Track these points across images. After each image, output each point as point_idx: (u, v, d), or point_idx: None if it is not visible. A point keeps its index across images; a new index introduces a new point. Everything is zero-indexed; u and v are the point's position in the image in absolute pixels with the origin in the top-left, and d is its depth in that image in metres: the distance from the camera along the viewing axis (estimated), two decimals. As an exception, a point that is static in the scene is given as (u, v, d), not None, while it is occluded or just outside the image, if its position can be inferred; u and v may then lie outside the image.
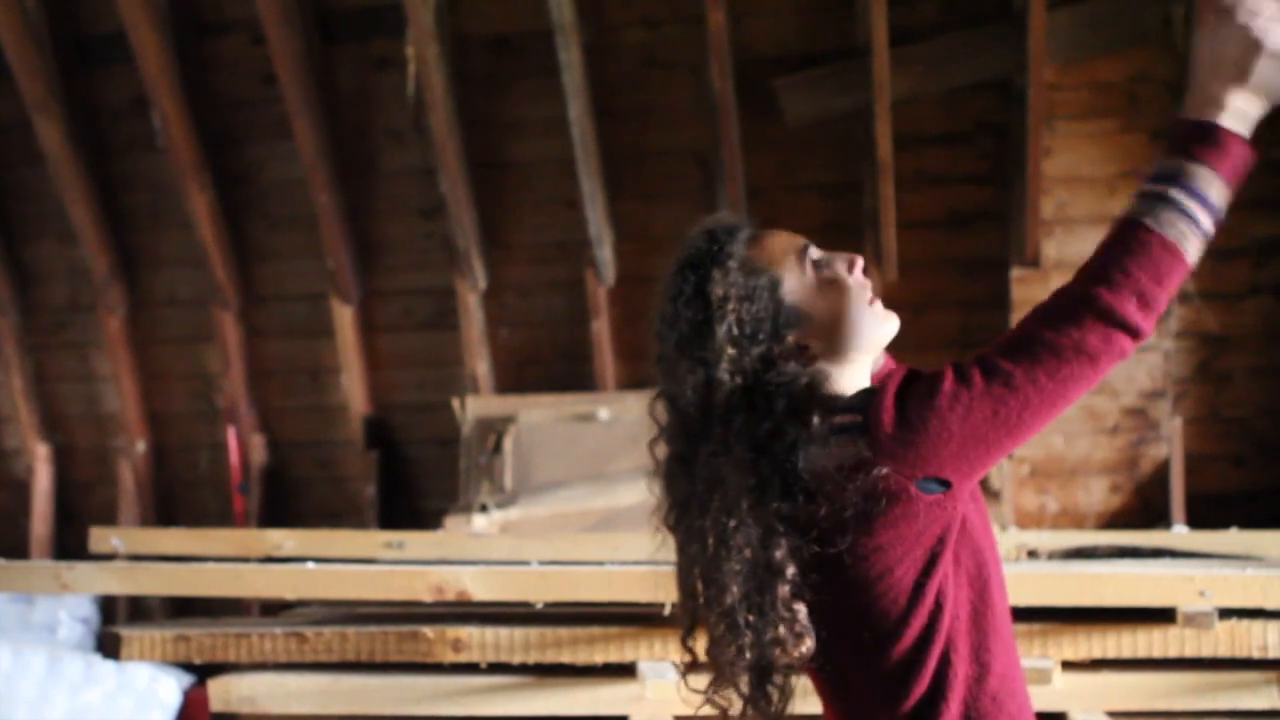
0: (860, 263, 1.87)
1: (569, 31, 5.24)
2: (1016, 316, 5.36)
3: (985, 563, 1.76)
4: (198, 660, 3.29)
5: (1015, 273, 5.37)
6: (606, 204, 5.57)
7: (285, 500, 6.25)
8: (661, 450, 1.87)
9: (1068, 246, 5.36)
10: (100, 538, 4.26)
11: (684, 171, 5.64)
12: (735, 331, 1.79)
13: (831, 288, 1.83)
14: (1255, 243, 5.41)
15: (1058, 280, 5.33)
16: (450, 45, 5.56)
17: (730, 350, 1.78)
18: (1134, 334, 1.68)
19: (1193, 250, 1.71)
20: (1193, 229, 1.71)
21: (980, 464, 1.69)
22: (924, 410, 1.67)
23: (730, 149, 5.32)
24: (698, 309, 1.82)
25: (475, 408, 5.63)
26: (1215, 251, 5.47)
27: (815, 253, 1.87)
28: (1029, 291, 5.37)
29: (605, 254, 5.63)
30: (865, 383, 1.84)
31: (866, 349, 1.84)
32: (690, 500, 1.80)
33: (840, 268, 1.85)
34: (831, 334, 1.81)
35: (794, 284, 1.83)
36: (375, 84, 5.81)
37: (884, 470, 1.66)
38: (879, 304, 1.86)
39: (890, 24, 5.01)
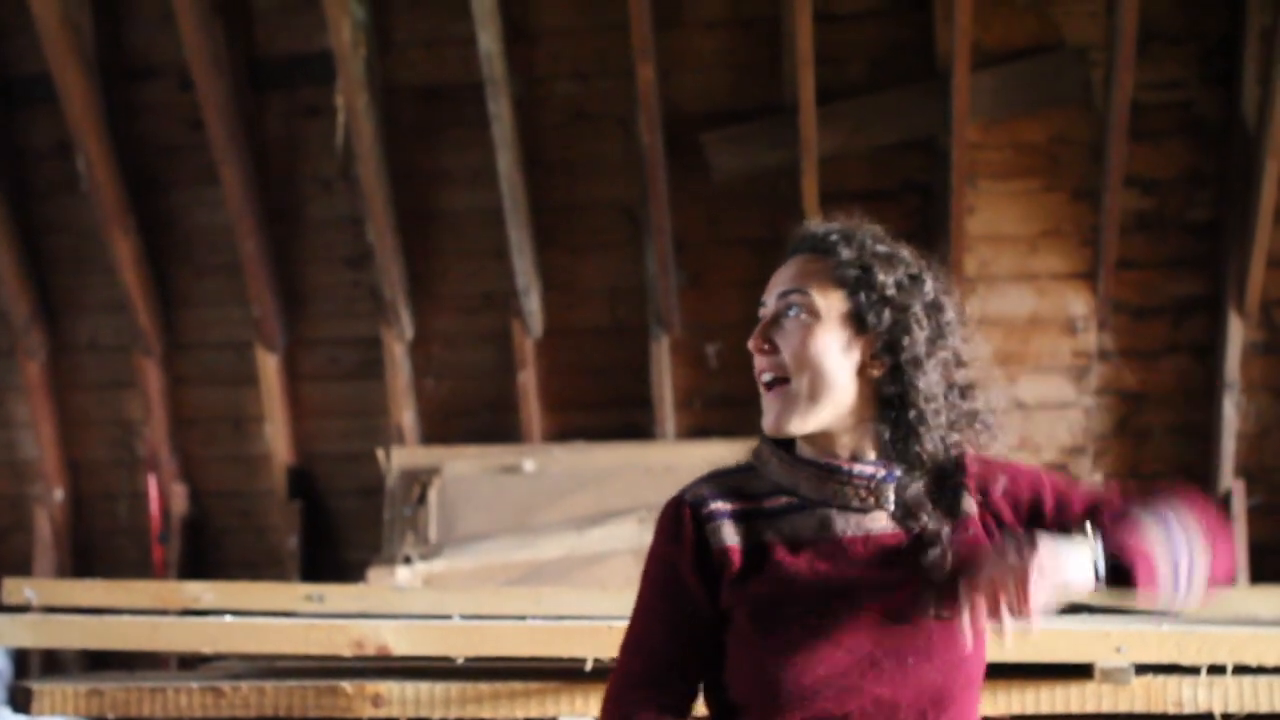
0: (750, 346, 1.91)
1: (499, 83, 5.27)
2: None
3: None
4: (112, 715, 3.22)
5: (939, 329, 5.41)
6: (534, 255, 5.57)
7: (206, 550, 6.16)
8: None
9: (990, 304, 5.43)
10: (13, 589, 4.17)
11: (612, 224, 5.66)
12: None
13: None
14: (1173, 302, 5.51)
15: (981, 336, 5.38)
16: (380, 95, 5.56)
17: None
18: None
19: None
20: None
21: None
22: None
23: (658, 202, 5.35)
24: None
25: (400, 458, 5.59)
26: (1134, 310, 5.63)
27: (762, 315, 1.93)
28: (952, 347, 5.42)
29: (533, 305, 5.63)
30: (809, 453, 1.91)
31: None
32: None
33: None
34: None
35: None
36: (304, 132, 5.79)
37: None
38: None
39: (817, 82, 5.08)
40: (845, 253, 1.87)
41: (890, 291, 1.85)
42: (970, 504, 1.87)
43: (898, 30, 5.38)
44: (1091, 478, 5.54)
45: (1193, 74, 5.34)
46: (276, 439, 5.95)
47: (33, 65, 5.69)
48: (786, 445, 1.91)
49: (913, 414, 1.83)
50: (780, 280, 1.90)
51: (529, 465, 5.45)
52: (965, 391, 1.89)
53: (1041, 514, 1.89)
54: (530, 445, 5.65)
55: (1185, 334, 5.54)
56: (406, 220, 5.67)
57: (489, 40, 5.20)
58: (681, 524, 1.88)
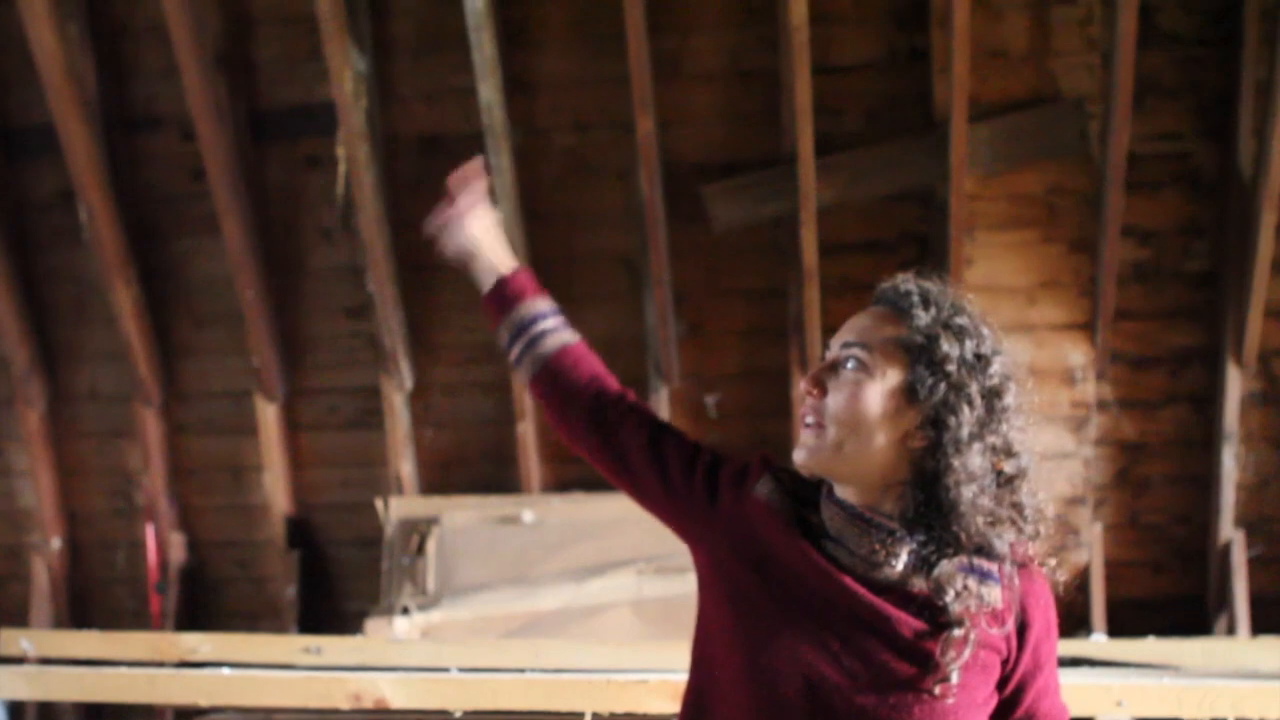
0: (803, 383, 1.93)
1: (499, 134, 5.29)
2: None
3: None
4: (106, 769, 3.21)
5: (938, 379, 5.41)
6: (534, 306, 5.58)
7: (203, 600, 6.15)
8: None
9: (989, 354, 5.42)
10: (10, 639, 4.17)
11: (611, 275, 5.68)
12: None
13: None
14: (1172, 352, 5.52)
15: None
16: (381, 145, 5.59)
17: None
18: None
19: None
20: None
21: None
22: None
23: (658, 254, 5.37)
24: None
25: (399, 508, 5.59)
26: (1133, 361, 5.64)
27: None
28: (951, 398, 5.42)
29: (532, 356, 5.63)
30: (840, 493, 1.93)
31: None
32: None
33: None
34: None
35: None
36: (305, 182, 5.82)
37: None
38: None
39: (816, 134, 5.11)
40: (920, 318, 1.86)
41: (950, 367, 1.83)
42: (997, 598, 1.85)
43: (895, 82, 5.41)
44: (1091, 528, 5.53)
45: (1189, 126, 5.37)
46: (275, 489, 5.95)
47: (36, 116, 5.73)
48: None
49: (949, 493, 1.81)
50: (850, 329, 1.90)
51: (528, 516, 5.44)
52: (1011, 482, 1.85)
53: (1009, 678, 1.90)
54: (529, 496, 5.64)
55: (1184, 384, 5.55)
56: (407, 271, 5.69)
57: (489, 92, 5.23)
58: (749, 464, 1.99)
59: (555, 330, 2.22)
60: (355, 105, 5.31)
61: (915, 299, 1.88)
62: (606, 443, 2.08)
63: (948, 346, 1.83)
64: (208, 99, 5.38)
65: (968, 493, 1.80)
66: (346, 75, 5.24)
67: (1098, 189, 5.23)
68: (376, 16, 5.57)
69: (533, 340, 2.21)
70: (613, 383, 2.17)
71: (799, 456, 1.87)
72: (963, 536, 1.81)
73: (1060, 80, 5.29)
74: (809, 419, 1.87)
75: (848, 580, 1.82)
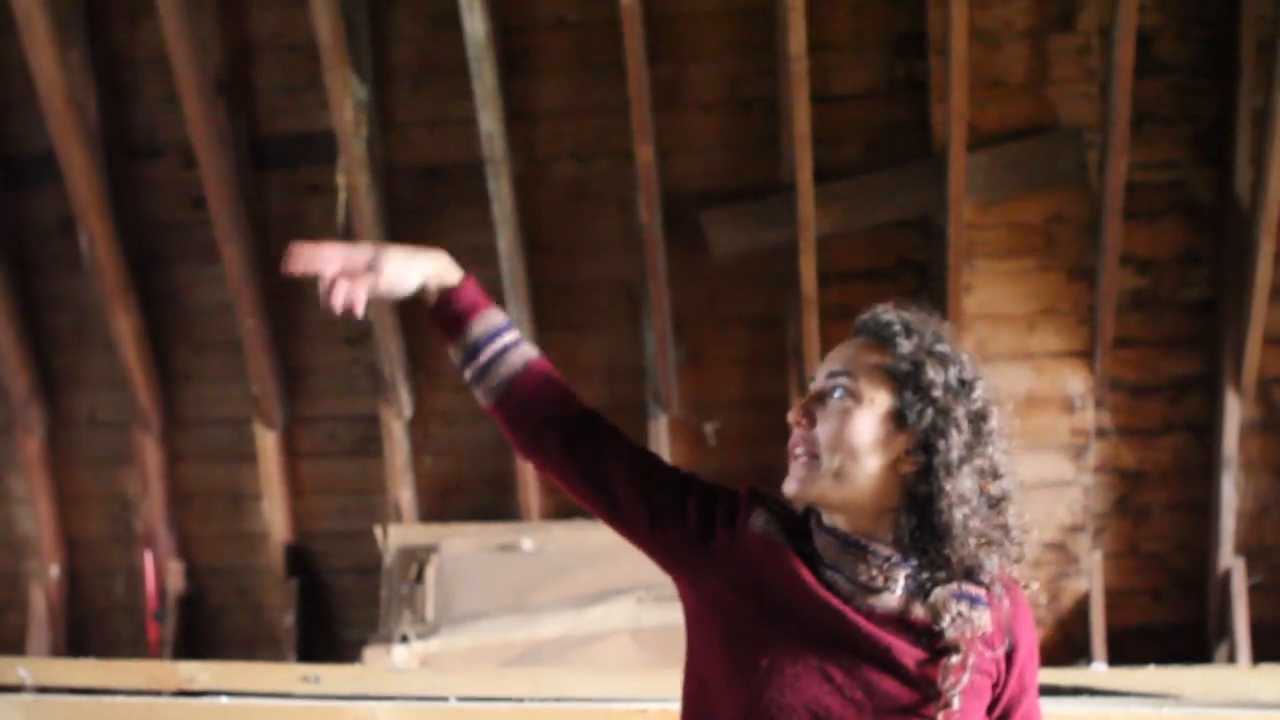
0: (791, 414, 1.92)
1: (499, 163, 5.31)
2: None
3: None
4: (104, 798, 3.20)
5: (937, 407, 5.42)
6: (534, 333, 5.59)
7: (201, 628, 6.13)
8: None
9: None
10: (7, 668, 4.16)
11: (611, 303, 5.69)
12: None
13: None
14: (1171, 380, 5.53)
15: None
16: (381, 174, 5.61)
17: None
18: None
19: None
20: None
21: None
22: None
23: (657, 281, 5.38)
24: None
25: (398, 536, 5.58)
26: (1132, 388, 5.65)
27: (812, 388, 1.95)
28: (951, 425, 5.43)
29: (532, 383, 5.62)
30: (829, 521, 1.91)
31: None
32: None
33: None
34: None
35: None
36: (305, 210, 5.83)
37: None
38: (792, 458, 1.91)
39: (815, 162, 5.13)
40: (903, 346, 1.88)
41: (936, 392, 1.85)
42: (986, 622, 1.86)
43: (894, 111, 5.43)
44: (1091, 556, 5.52)
45: (1186, 155, 5.39)
46: (274, 516, 5.94)
47: (37, 143, 5.74)
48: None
49: (941, 516, 1.83)
50: (834, 359, 1.92)
51: (527, 544, 5.43)
52: (999, 504, 1.88)
53: (998, 701, 1.90)
54: (529, 524, 5.64)
55: (1183, 412, 5.55)
56: (406, 298, 5.68)
57: (490, 121, 5.25)
58: (737, 496, 1.95)
59: (515, 345, 2.04)
60: (356, 133, 5.32)
61: (897, 328, 1.90)
62: (586, 470, 1.99)
63: (933, 372, 1.86)
64: (208, 127, 5.40)
65: (960, 515, 1.83)
66: (347, 104, 5.26)
67: (1096, 217, 5.25)
68: (377, 45, 5.59)
69: (493, 359, 2.02)
70: (585, 403, 2.06)
71: (791, 488, 1.88)
72: (954, 560, 1.84)
73: (1058, 109, 5.31)
74: (799, 450, 1.88)
75: (848, 610, 1.83)
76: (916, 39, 5.32)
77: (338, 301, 1.97)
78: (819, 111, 5.18)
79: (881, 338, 1.90)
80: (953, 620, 1.82)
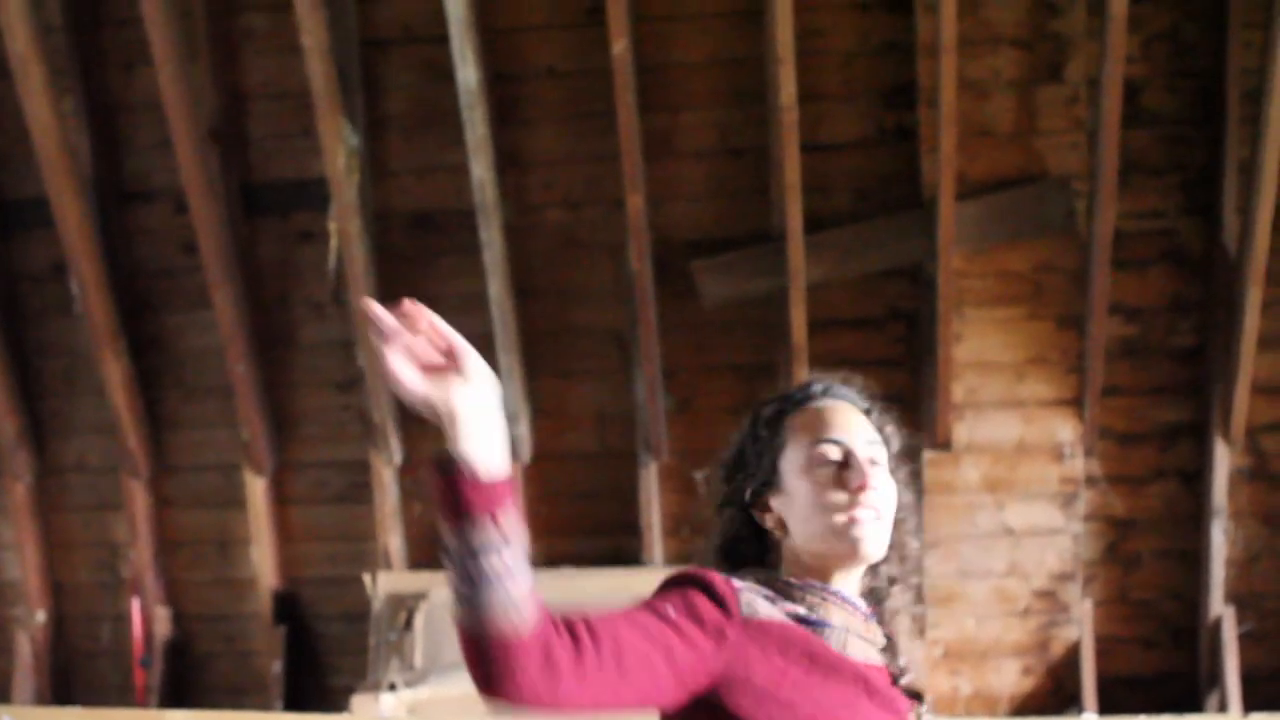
0: (857, 482, 1.88)
1: (490, 210, 5.33)
2: (930, 500, 5.43)
3: None
4: None
5: (928, 455, 5.44)
6: (524, 381, 5.60)
7: (188, 675, 6.09)
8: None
9: (978, 430, 5.45)
10: (-8, 716, 4.13)
11: (601, 350, 5.69)
12: (731, 456, 2.00)
13: (807, 477, 1.90)
14: (1160, 428, 5.54)
15: (969, 463, 5.37)
16: (372, 220, 5.62)
17: (723, 470, 2.01)
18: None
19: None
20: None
21: None
22: None
23: (647, 329, 5.39)
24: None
25: (387, 583, 5.56)
26: (1121, 436, 5.66)
27: (834, 451, 1.90)
28: (941, 474, 5.44)
29: (521, 431, 5.64)
30: (837, 586, 1.90)
31: (818, 552, 1.89)
32: None
33: (826, 471, 1.89)
34: (794, 520, 1.90)
35: (794, 456, 1.92)
36: (297, 256, 5.84)
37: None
38: (849, 516, 1.87)
39: (805, 211, 5.16)
40: (876, 415, 1.97)
41: (895, 452, 1.96)
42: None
43: (884, 160, 5.46)
44: (1081, 605, 5.52)
45: (1174, 204, 5.42)
46: (263, 562, 5.92)
47: (30, 189, 5.75)
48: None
49: (892, 569, 1.93)
50: (860, 427, 1.93)
51: (517, 591, 5.40)
52: (918, 562, 1.99)
53: None
54: (518, 570, 5.61)
55: (1172, 460, 5.56)
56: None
57: (481, 168, 5.27)
58: (719, 584, 1.81)
59: (527, 567, 1.70)
60: (348, 181, 5.34)
61: (865, 396, 1.99)
62: (626, 676, 1.71)
63: (895, 440, 1.96)
64: (201, 173, 5.42)
65: (906, 568, 1.95)
66: (339, 151, 5.28)
67: (1085, 266, 5.27)
68: (370, 93, 5.62)
69: (505, 573, 1.66)
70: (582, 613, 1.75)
71: (876, 550, 1.88)
72: (889, 612, 1.93)
73: (1047, 159, 5.34)
74: (870, 513, 1.88)
75: (862, 667, 1.85)
76: (906, 89, 5.36)
77: (395, 373, 1.65)
78: (809, 161, 5.21)
79: (861, 407, 1.97)
80: (912, 667, 1.91)
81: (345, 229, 5.42)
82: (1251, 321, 5.11)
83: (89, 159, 5.77)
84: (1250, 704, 5.30)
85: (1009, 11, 5.27)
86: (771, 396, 2.02)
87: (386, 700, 4.99)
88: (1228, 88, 5.20)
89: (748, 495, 1.94)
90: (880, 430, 1.95)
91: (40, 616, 6.14)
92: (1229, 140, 5.22)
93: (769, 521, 1.92)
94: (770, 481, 1.93)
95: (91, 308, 5.67)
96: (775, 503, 1.92)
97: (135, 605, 5.99)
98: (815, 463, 1.89)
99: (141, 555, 6.01)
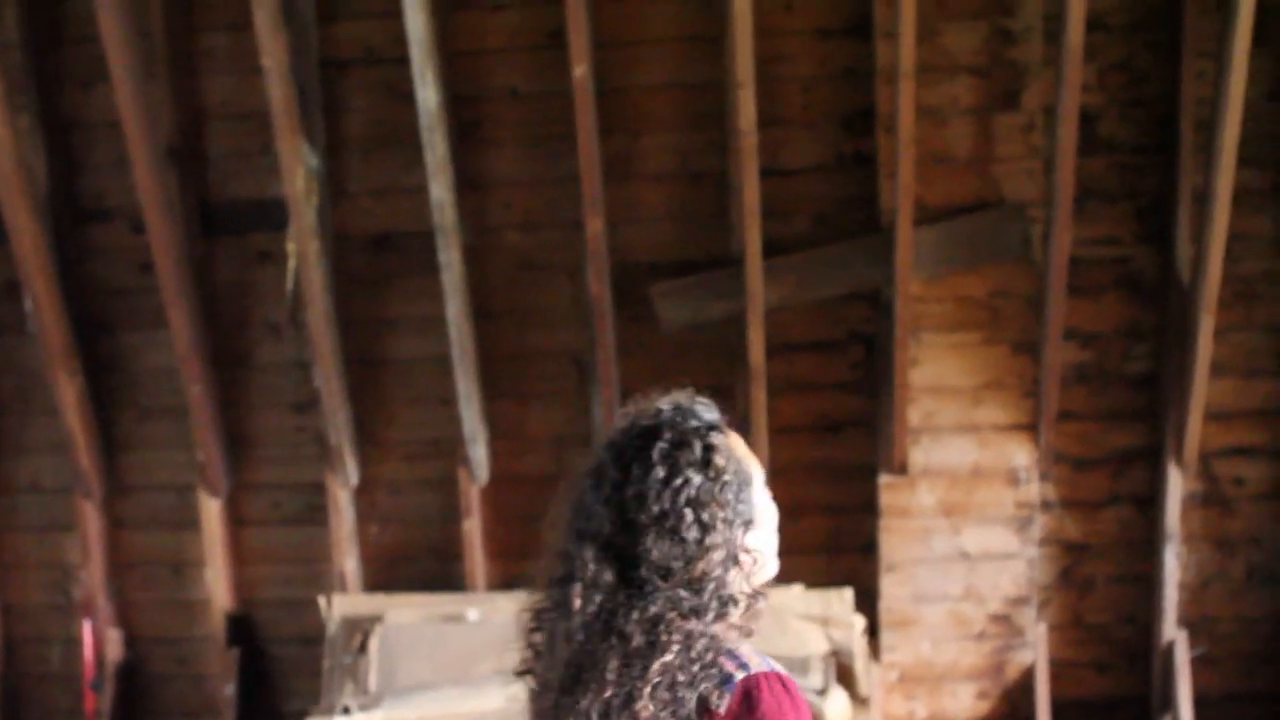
0: None
1: (450, 232, 5.32)
2: (885, 522, 5.45)
3: None
4: None
5: (884, 479, 5.46)
6: (481, 403, 5.58)
7: (140, 698, 6.03)
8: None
9: (934, 454, 5.47)
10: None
11: (560, 373, 5.69)
12: (730, 499, 1.82)
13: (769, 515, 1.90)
14: (1114, 453, 5.58)
15: (925, 487, 5.40)
16: (331, 241, 5.61)
17: (723, 514, 1.82)
18: None
19: None
20: None
21: None
22: None
23: (605, 352, 5.39)
24: (705, 476, 1.82)
25: (342, 606, 5.52)
26: (1075, 461, 5.70)
27: None
28: (897, 498, 5.46)
29: (479, 453, 5.62)
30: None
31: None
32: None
33: None
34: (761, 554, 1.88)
35: (758, 485, 1.89)
36: (254, 277, 5.81)
37: None
38: None
39: (764, 235, 5.18)
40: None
41: None
42: None
43: (842, 186, 5.49)
44: (1036, 629, 5.54)
45: (1128, 231, 5.48)
46: (216, 584, 5.87)
47: (-17, 206, 5.70)
48: None
49: None
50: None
51: (472, 614, 5.39)
52: None
53: None
54: (474, 594, 5.59)
55: (1126, 485, 5.60)
56: (354, 366, 5.68)
57: (441, 190, 5.26)
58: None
59: None
60: (306, 201, 5.32)
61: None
62: None
63: None
64: (158, 192, 5.38)
65: None
66: (298, 171, 5.27)
67: (1040, 292, 5.31)
68: (329, 114, 5.61)
69: None
70: None
71: None
72: None
73: (1003, 185, 5.38)
74: None
75: None
76: (865, 116, 5.40)
77: None
78: (768, 185, 5.24)
79: None
80: None
81: (303, 250, 5.40)
82: (1204, 348, 5.16)
83: (45, 177, 5.73)
84: (1202, 728, 5.35)
85: (967, 40, 5.32)
86: (691, 430, 1.88)
87: (341, 724, 4.95)
88: (1181, 117, 5.26)
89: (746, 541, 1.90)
90: None
91: (-11, 639, 6.07)
92: (1182, 168, 5.28)
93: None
94: (752, 519, 1.90)
95: (45, 326, 5.62)
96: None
97: (87, 627, 5.93)
98: None
99: (93, 577, 5.95)
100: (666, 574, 1.79)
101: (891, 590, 5.50)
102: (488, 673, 5.12)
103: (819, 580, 5.37)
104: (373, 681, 5.26)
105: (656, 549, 1.79)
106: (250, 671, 5.90)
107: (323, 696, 5.38)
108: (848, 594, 5.26)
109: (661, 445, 1.83)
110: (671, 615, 1.78)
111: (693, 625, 1.78)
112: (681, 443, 1.83)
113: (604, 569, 1.83)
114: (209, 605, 5.92)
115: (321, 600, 5.57)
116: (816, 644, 5.13)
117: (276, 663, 5.96)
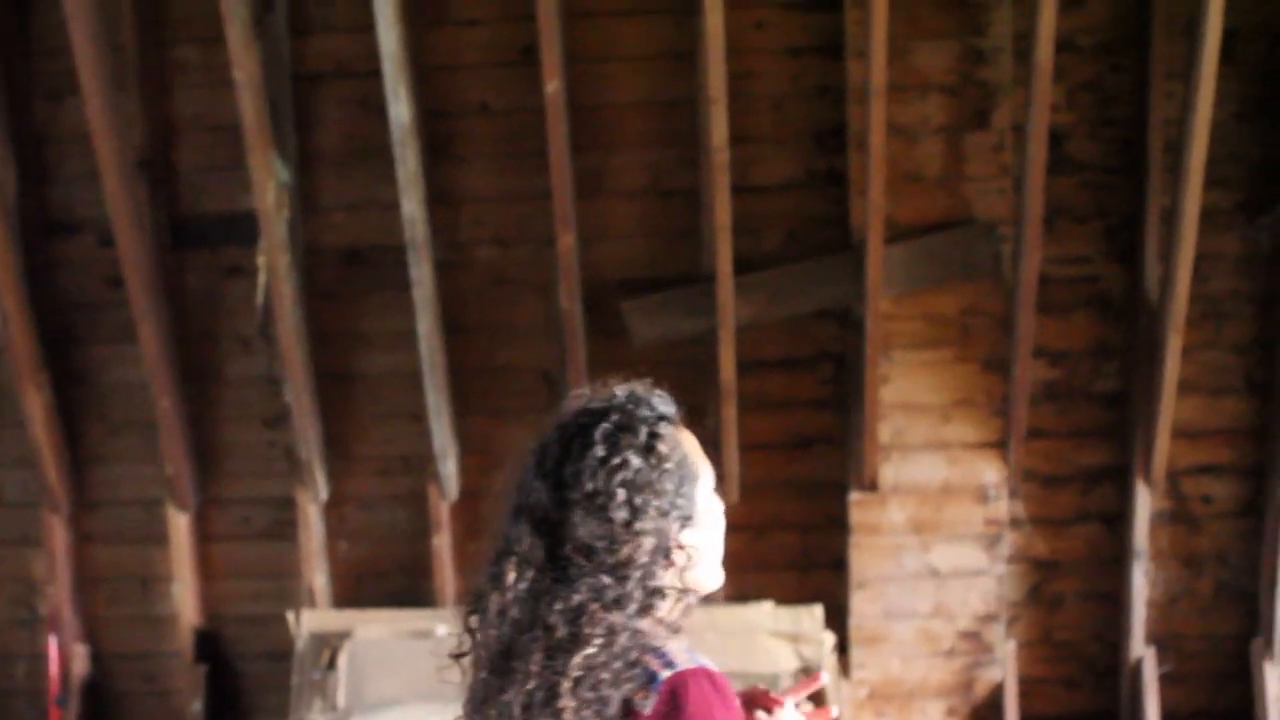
0: None
1: (421, 247, 5.31)
2: (855, 539, 5.46)
3: None
4: None
5: (854, 496, 5.47)
6: (452, 419, 5.57)
7: (105, 715, 5.99)
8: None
9: (904, 471, 5.49)
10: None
11: (531, 389, 5.68)
12: (668, 489, 1.82)
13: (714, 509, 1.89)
14: (1082, 471, 5.61)
15: (895, 504, 5.41)
16: (302, 256, 5.59)
17: (658, 502, 1.81)
18: None
19: None
20: None
21: None
22: None
23: (576, 368, 5.39)
24: (646, 461, 1.82)
25: (311, 622, 5.50)
26: (1044, 479, 5.72)
27: None
28: (867, 515, 5.48)
29: (449, 469, 5.61)
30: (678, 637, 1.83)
31: (703, 590, 1.87)
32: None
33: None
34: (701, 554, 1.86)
35: (704, 484, 1.89)
36: (224, 291, 5.79)
37: None
38: None
39: (735, 252, 5.19)
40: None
41: None
42: None
43: (814, 203, 5.51)
44: (1005, 646, 5.56)
45: (1098, 250, 5.51)
46: (184, 600, 5.84)
47: (-49, 219, 5.67)
48: None
49: None
50: None
51: (442, 630, 5.37)
52: None
53: None
54: (443, 610, 5.57)
55: (1094, 503, 5.63)
56: (324, 381, 5.66)
57: (412, 205, 5.25)
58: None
59: None
60: (277, 215, 5.31)
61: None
62: None
63: None
64: (128, 205, 5.36)
65: None
66: (269, 185, 5.25)
67: (1010, 310, 5.34)
68: (301, 128, 5.59)
69: None
70: None
71: None
72: None
73: (973, 204, 5.41)
74: None
75: None
76: (836, 133, 5.42)
77: None
78: (740, 202, 5.25)
79: None
80: None
81: (274, 264, 5.38)
82: (1172, 367, 5.19)
83: (13, 189, 5.69)
84: (1170, 746, 5.37)
85: (938, 59, 5.35)
86: (642, 417, 1.92)
87: (308, 740, 4.93)
88: (1150, 137, 5.30)
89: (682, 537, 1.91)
90: None
91: (-46, 654, 6.02)
92: (1151, 188, 5.32)
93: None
94: (692, 516, 1.90)
95: (13, 339, 5.59)
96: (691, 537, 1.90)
97: (53, 643, 5.89)
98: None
99: (60, 592, 5.91)
100: (590, 553, 1.77)
101: (861, 607, 5.51)
102: (457, 689, 5.11)
103: (789, 597, 5.38)
104: (341, 697, 5.24)
105: (583, 526, 1.78)
106: (218, 688, 5.87)
107: (291, 713, 5.36)
108: (818, 611, 5.27)
109: (606, 426, 1.83)
110: (594, 606, 1.76)
111: (615, 618, 1.75)
112: (627, 426, 1.83)
113: (537, 545, 1.81)
114: (177, 621, 5.89)
115: (290, 616, 5.55)
116: (786, 661, 5.13)
117: (245, 679, 5.93)
